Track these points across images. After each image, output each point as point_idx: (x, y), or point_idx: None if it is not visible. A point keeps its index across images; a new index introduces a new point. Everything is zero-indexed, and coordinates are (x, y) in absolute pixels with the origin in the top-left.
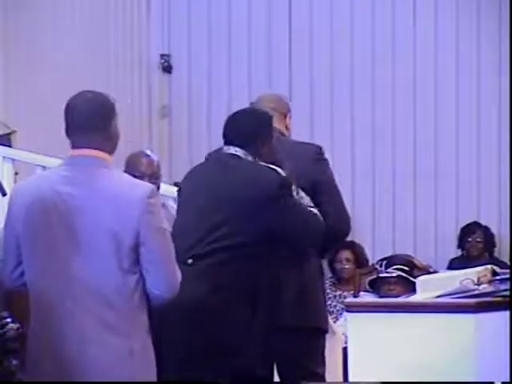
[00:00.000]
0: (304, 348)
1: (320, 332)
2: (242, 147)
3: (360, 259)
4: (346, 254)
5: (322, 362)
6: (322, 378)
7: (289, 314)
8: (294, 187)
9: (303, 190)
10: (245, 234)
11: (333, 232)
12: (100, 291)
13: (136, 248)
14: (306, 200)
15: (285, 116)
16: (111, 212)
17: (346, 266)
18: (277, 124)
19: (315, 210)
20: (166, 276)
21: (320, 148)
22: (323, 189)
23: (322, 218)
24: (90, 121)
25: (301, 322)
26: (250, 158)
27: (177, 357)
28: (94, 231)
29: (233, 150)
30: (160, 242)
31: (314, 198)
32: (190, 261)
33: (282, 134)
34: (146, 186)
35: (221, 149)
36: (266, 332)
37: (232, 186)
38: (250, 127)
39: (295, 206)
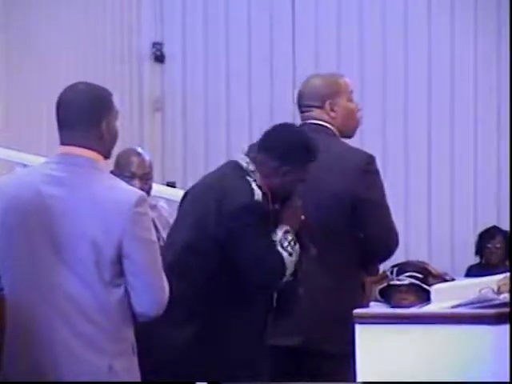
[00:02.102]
0: (338, 371)
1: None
2: (264, 150)
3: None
4: None
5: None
6: None
7: (322, 338)
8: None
9: (339, 204)
10: (197, 245)
11: (371, 255)
12: (79, 303)
13: (119, 260)
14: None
15: (320, 106)
16: (94, 218)
17: None
18: (317, 118)
19: (284, 252)
20: (151, 292)
21: (370, 158)
22: (367, 209)
23: (285, 262)
24: (79, 116)
25: (338, 348)
26: (251, 171)
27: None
28: (75, 237)
29: (241, 157)
30: (145, 254)
31: (357, 217)
32: None
33: (325, 127)
34: (134, 192)
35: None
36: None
37: (203, 192)
38: (283, 145)
39: (255, 238)
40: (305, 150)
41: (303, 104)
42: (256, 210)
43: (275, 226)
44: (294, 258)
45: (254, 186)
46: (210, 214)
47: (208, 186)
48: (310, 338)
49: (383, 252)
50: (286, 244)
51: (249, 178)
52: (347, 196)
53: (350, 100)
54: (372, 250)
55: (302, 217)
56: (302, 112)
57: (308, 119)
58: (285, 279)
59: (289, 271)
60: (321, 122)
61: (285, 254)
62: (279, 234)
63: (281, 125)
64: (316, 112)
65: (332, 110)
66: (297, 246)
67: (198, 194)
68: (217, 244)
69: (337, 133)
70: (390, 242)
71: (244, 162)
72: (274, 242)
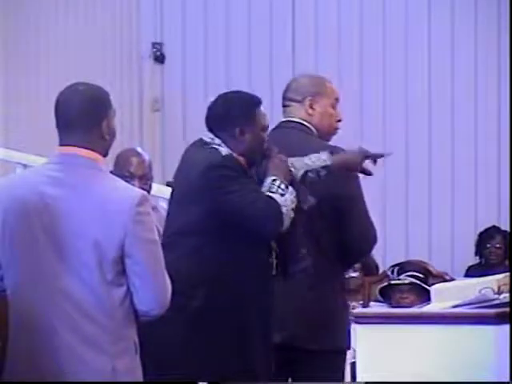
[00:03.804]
0: (322, 370)
1: (339, 352)
2: (214, 133)
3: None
4: None
5: (341, 380)
6: None
7: (306, 336)
8: (247, 169)
9: (322, 203)
10: (186, 222)
11: (353, 251)
12: (81, 304)
13: (121, 259)
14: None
15: (299, 101)
16: (96, 219)
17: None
18: (294, 114)
19: (274, 195)
20: (154, 292)
21: None
22: (345, 206)
23: (278, 202)
24: (79, 117)
25: (318, 345)
26: (217, 144)
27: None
28: (77, 238)
29: (204, 135)
30: (148, 254)
31: (336, 215)
32: None
33: (303, 125)
34: (135, 192)
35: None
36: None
37: (178, 174)
38: (222, 111)
39: (237, 188)
40: (237, 102)
41: (286, 97)
42: (226, 164)
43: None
44: (288, 196)
45: (216, 146)
46: (187, 192)
47: (178, 171)
48: (294, 336)
49: (360, 251)
50: (274, 189)
51: (213, 147)
52: (324, 195)
53: (333, 106)
54: (351, 248)
55: (292, 169)
56: (283, 106)
57: (286, 114)
58: (285, 221)
59: (286, 209)
60: (295, 119)
61: (275, 196)
62: (266, 185)
63: (212, 102)
64: (295, 107)
65: (311, 107)
66: (290, 189)
67: (174, 183)
68: (206, 213)
69: (314, 130)
70: (364, 242)
71: (207, 137)
72: (262, 192)
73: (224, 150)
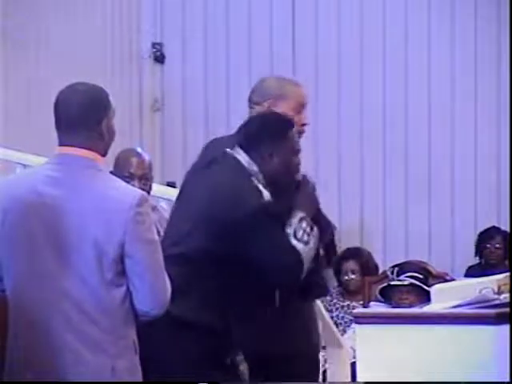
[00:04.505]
0: (303, 372)
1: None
2: (246, 151)
3: (367, 267)
4: (350, 265)
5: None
6: None
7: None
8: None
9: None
10: (204, 251)
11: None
12: (81, 304)
13: (121, 259)
14: (296, 231)
15: (258, 103)
16: (95, 219)
17: (352, 277)
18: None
19: (298, 244)
20: (154, 292)
21: None
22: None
23: (301, 256)
24: (79, 117)
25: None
26: (248, 164)
27: None
28: (77, 238)
29: (237, 152)
30: (148, 254)
31: None
32: None
33: None
34: (135, 192)
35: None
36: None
37: (208, 200)
38: (255, 130)
39: (265, 241)
40: (267, 124)
41: (249, 98)
42: (267, 212)
43: (289, 214)
44: (312, 244)
45: (260, 187)
46: (222, 221)
47: (210, 187)
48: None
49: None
50: (300, 233)
51: (253, 179)
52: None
53: (297, 110)
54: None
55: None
56: (249, 107)
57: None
58: (303, 275)
59: (306, 264)
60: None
61: (300, 246)
62: (293, 223)
63: (246, 120)
64: (256, 109)
65: None
66: (314, 231)
67: (203, 194)
68: (234, 250)
69: None
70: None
71: (245, 161)
72: (288, 235)
73: (266, 194)
